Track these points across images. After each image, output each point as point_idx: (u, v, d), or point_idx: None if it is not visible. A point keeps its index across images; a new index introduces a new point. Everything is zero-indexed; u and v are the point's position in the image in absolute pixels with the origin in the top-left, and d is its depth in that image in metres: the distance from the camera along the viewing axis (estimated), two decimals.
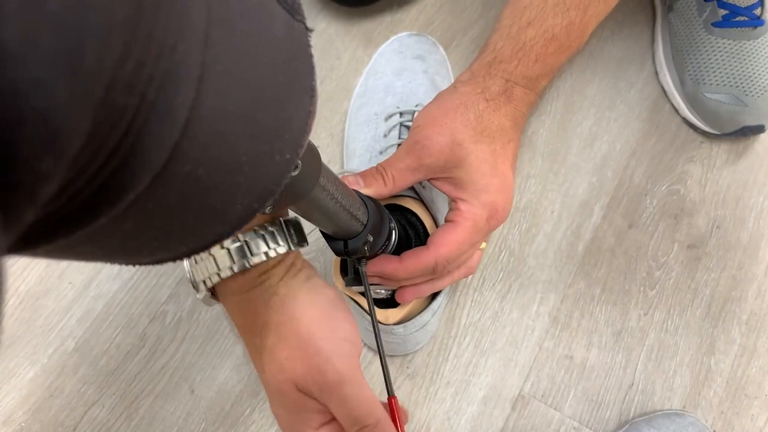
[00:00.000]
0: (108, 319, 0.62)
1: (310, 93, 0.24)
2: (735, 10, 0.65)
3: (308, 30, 0.25)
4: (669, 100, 0.69)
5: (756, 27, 0.65)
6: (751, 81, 0.63)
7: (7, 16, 0.11)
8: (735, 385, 0.59)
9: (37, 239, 0.18)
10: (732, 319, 0.61)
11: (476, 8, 0.73)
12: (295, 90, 0.23)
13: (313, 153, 0.36)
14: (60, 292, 0.63)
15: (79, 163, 0.15)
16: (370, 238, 0.46)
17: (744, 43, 0.64)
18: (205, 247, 0.24)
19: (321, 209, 0.40)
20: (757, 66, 0.64)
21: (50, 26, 0.12)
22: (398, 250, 0.52)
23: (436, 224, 0.55)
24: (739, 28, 0.65)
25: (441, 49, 0.66)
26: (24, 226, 0.15)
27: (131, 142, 0.17)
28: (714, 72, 0.65)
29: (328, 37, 0.72)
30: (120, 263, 0.25)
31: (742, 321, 0.61)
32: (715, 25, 0.66)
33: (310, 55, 0.24)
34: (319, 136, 0.67)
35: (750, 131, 0.64)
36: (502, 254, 0.63)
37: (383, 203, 0.55)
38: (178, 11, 0.17)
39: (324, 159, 0.61)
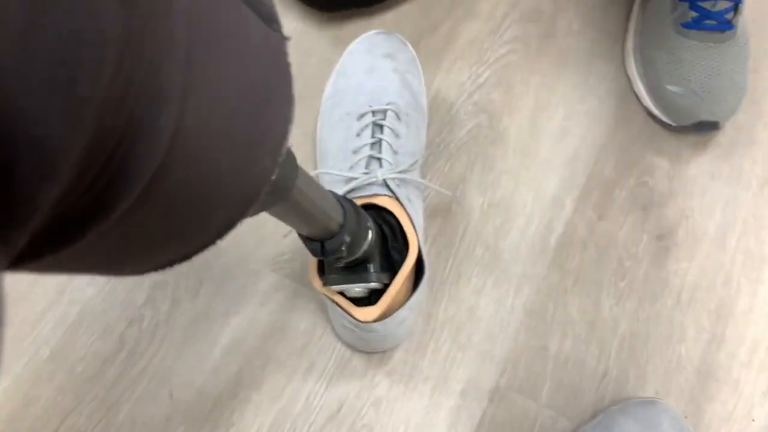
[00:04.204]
0: (83, 325, 0.62)
1: (289, 101, 0.25)
2: (705, 14, 0.66)
3: (285, 39, 0.25)
4: (633, 90, 0.70)
5: (724, 31, 0.66)
6: (711, 81, 0.65)
7: (3, 50, 0.11)
8: (705, 371, 0.61)
9: (25, 258, 0.18)
10: (701, 308, 0.63)
11: (444, 7, 0.73)
12: (273, 100, 0.24)
13: (289, 157, 0.36)
14: (33, 299, 0.63)
15: (69, 186, 0.15)
16: (347, 239, 0.47)
17: (710, 46, 0.66)
18: (189, 256, 0.24)
19: (297, 211, 0.40)
20: (719, 68, 0.65)
21: (45, 58, 0.12)
22: (376, 249, 0.52)
23: (412, 222, 0.56)
24: (706, 31, 0.66)
25: (410, 47, 0.67)
26: (17, 249, 0.15)
27: (118, 162, 0.17)
28: (677, 68, 0.66)
29: (297, 36, 0.72)
30: (103, 275, 0.25)
31: (711, 309, 0.63)
32: (684, 25, 0.67)
33: (288, 64, 0.25)
34: (293, 135, 0.67)
35: (704, 126, 0.65)
36: (477, 249, 0.64)
37: (359, 203, 0.55)
38: (163, 32, 0.17)
39: (298, 159, 0.61)
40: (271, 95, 0.24)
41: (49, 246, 0.18)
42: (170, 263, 0.24)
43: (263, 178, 0.24)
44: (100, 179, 0.17)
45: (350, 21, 0.73)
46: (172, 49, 0.17)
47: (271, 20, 0.24)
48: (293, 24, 0.73)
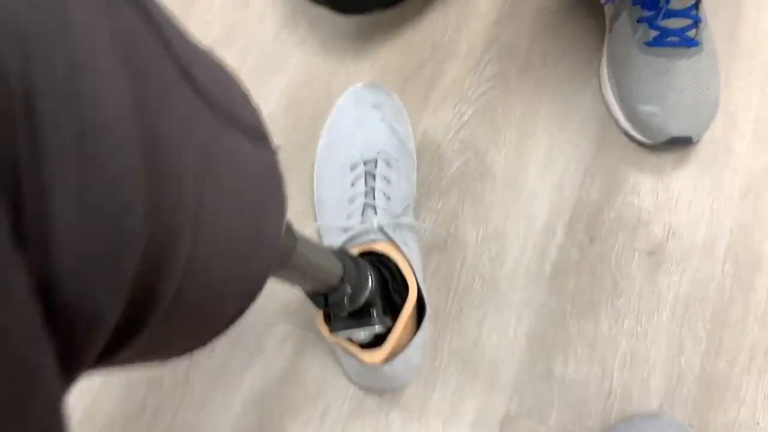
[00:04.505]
0: (106, 389, 0.65)
1: (281, 205, 0.28)
2: (665, 32, 0.69)
3: (274, 153, 0.28)
4: (611, 113, 0.73)
5: (689, 47, 0.69)
6: (681, 97, 0.67)
7: (62, 254, 0.15)
8: (706, 380, 0.63)
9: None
10: (696, 319, 0.65)
11: (425, 50, 0.77)
12: (269, 207, 0.27)
13: (287, 228, 0.39)
14: None
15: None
16: (349, 290, 0.50)
17: (676, 63, 0.68)
18: (201, 347, 0.27)
19: (299, 273, 0.43)
20: (688, 84, 0.68)
21: (95, 256, 0.16)
22: (377, 295, 0.55)
23: (410, 264, 0.58)
24: (671, 48, 0.69)
25: (394, 96, 0.70)
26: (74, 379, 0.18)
27: (143, 298, 0.20)
28: (647, 87, 0.69)
29: (291, 91, 0.75)
30: (130, 369, 0.28)
31: (706, 319, 0.65)
32: (648, 44, 0.70)
33: (279, 170, 0.28)
34: (290, 188, 0.70)
35: (678, 142, 0.68)
36: (476, 281, 0.67)
37: (358, 250, 0.58)
38: (177, 198, 0.20)
39: (296, 210, 0.65)
40: (268, 203, 0.27)
41: (85, 367, 0.21)
42: (183, 354, 0.27)
43: (264, 270, 0.27)
44: (131, 311, 0.20)
45: (339, 74, 0.76)
46: (187, 204, 0.20)
47: (260, 139, 0.27)
48: (286, 78, 0.76)
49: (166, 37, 0.20)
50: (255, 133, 0.27)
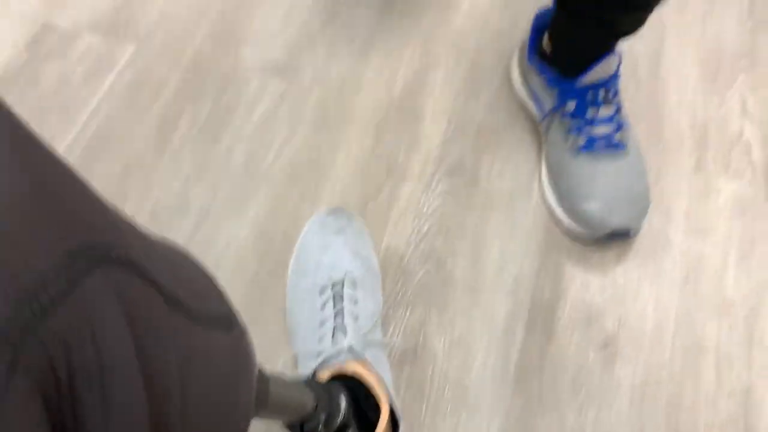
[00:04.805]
0: None
1: (252, 373, 0.33)
2: (593, 138, 0.78)
3: (243, 333, 0.33)
4: (554, 215, 0.80)
5: (617, 150, 0.77)
6: (614, 194, 0.75)
7: None
8: None
9: None
10: (653, 404, 0.70)
11: (381, 174, 0.84)
12: (242, 380, 0.32)
13: (260, 375, 0.44)
14: None
15: None
16: (323, 417, 0.54)
17: (606, 164, 0.76)
18: None
19: (273, 411, 0.47)
20: (619, 183, 0.76)
21: None
22: (350, 415, 0.59)
23: (381, 380, 0.63)
24: (600, 152, 0.77)
25: (355, 219, 0.76)
26: None
27: None
28: (583, 187, 0.76)
29: (261, 220, 0.81)
30: None
31: (662, 403, 0.70)
32: (579, 149, 0.78)
33: (248, 346, 0.33)
34: (264, 315, 0.75)
35: (618, 235, 0.75)
36: (447, 389, 0.71)
37: (329, 372, 0.62)
38: (170, 403, 0.25)
39: (270, 336, 0.70)
40: (239, 381, 0.32)
41: None
42: None
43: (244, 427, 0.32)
44: None
45: (304, 200, 0.83)
46: (173, 408, 0.25)
47: (230, 322, 0.32)
48: (255, 209, 0.82)
49: (158, 282, 0.25)
50: (225, 319, 0.32)
